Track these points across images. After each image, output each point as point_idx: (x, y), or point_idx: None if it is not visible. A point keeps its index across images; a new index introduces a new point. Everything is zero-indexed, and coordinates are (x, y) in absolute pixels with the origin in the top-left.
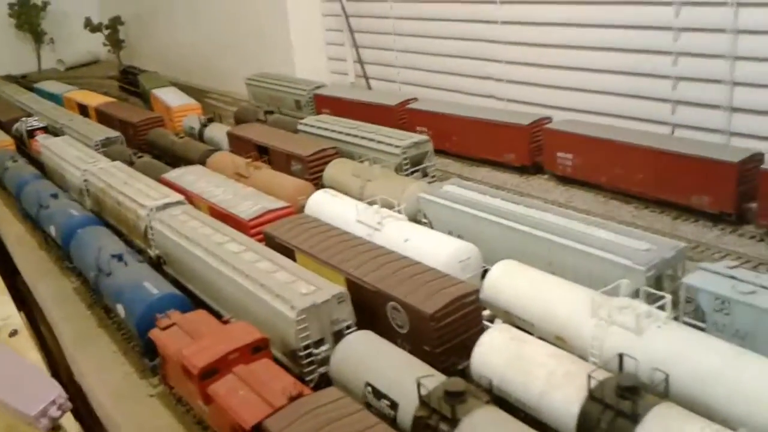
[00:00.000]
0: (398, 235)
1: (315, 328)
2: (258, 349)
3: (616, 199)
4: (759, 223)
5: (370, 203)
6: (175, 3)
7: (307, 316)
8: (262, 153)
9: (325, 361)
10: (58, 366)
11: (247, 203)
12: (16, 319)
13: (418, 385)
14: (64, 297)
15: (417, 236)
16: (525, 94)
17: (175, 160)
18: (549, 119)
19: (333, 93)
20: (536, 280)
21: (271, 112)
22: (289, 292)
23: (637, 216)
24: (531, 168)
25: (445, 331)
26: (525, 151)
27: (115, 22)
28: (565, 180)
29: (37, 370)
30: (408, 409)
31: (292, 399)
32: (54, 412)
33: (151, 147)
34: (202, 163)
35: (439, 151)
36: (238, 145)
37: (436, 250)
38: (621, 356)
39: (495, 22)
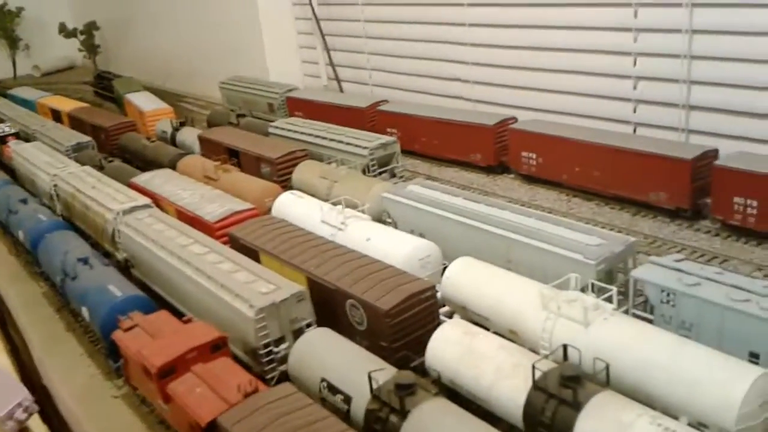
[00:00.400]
0: (360, 234)
1: (274, 327)
2: (217, 347)
3: (579, 197)
4: (713, 218)
5: (335, 204)
6: (150, 9)
7: (266, 315)
8: (233, 156)
9: (285, 359)
10: (27, 369)
11: (213, 206)
12: None
13: (370, 379)
14: (32, 301)
15: (379, 235)
16: (491, 94)
17: (146, 164)
18: (514, 119)
19: (305, 96)
20: (491, 276)
21: (243, 116)
22: (249, 292)
23: (598, 213)
24: (497, 168)
25: (401, 327)
26: (491, 151)
27: (90, 28)
28: (530, 179)
29: (2, 374)
30: (360, 403)
31: (247, 395)
32: (20, 414)
33: (122, 151)
34: (173, 166)
35: (408, 152)
36: (209, 148)
37: (397, 248)
38: (565, 347)
39: (463, 24)
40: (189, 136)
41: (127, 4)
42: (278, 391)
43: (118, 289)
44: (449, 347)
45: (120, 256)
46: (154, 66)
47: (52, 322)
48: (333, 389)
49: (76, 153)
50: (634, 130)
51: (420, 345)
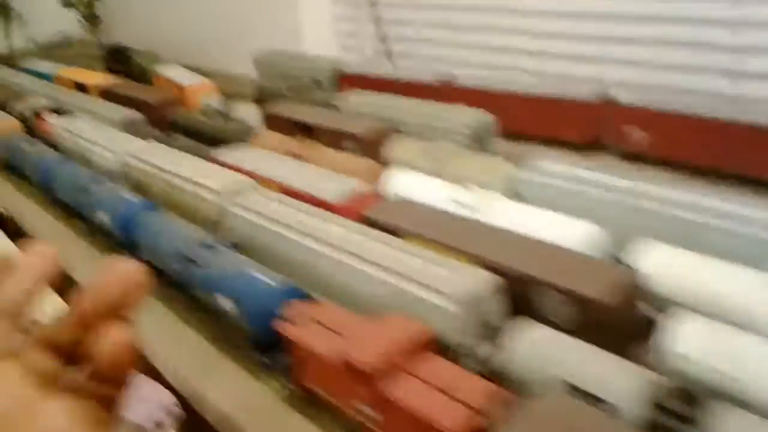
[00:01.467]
0: (506, 217)
1: (472, 323)
2: (424, 346)
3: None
4: None
5: (464, 184)
6: None
7: (468, 308)
8: (305, 132)
9: (484, 362)
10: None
11: (328, 184)
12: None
13: (645, 385)
14: None
15: (529, 218)
16: (569, 69)
17: (205, 140)
18: (614, 93)
19: (360, 70)
20: (697, 265)
21: (298, 91)
22: (439, 281)
23: None
24: (594, 146)
25: (621, 322)
26: (587, 127)
27: None
28: (634, 157)
29: (144, 379)
30: (630, 412)
31: (502, 403)
32: (164, 419)
33: (175, 129)
34: (241, 142)
35: None
36: (277, 124)
37: (561, 232)
38: None
39: None
40: (247, 111)
41: None
42: (552, 401)
43: (265, 276)
44: (702, 345)
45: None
46: (163, 39)
47: (159, 313)
48: (586, 395)
49: (128, 129)
50: None
51: (626, 341)
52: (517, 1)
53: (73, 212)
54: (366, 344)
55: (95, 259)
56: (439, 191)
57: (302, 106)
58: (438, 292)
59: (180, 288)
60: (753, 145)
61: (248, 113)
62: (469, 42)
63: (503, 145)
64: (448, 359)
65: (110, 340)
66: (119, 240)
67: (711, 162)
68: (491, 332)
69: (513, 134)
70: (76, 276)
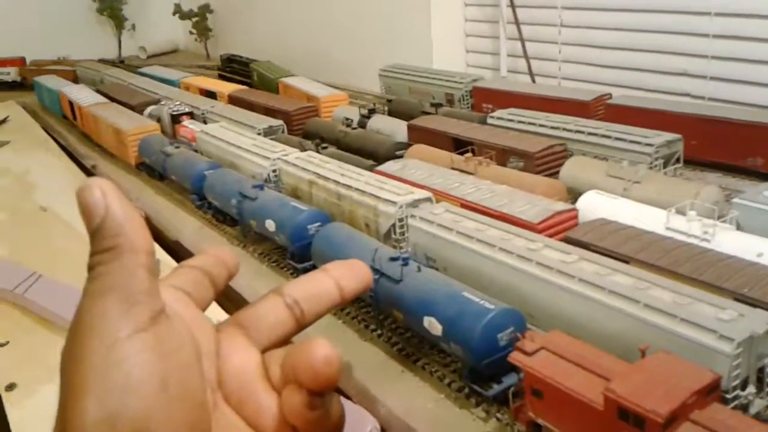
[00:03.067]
0: (742, 247)
1: (745, 365)
2: (708, 392)
3: None
4: None
5: (680, 209)
6: None
7: (744, 349)
8: (457, 146)
9: (745, 406)
10: None
11: (520, 204)
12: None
13: None
14: None
15: (763, 247)
16: (736, 94)
17: (351, 152)
18: None
19: (498, 86)
20: None
21: (440, 105)
22: (703, 319)
23: None
24: None
25: None
26: None
27: (204, 10)
28: None
29: (345, 401)
30: None
31: None
32: None
33: (309, 138)
34: (391, 156)
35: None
36: (423, 137)
37: None
38: None
39: (707, 13)
40: (383, 124)
41: None
42: None
43: (480, 298)
44: None
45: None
46: (274, 52)
47: (339, 329)
48: None
49: (268, 136)
50: None
51: None
52: (679, 21)
53: (223, 218)
54: (644, 388)
55: (252, 265)
56: (648, 215)
57: (449, 120)
58: (704, 329)
59: (366, 303)
60: None
61: (387, 125)
62: (619, 61)
63: (686, 170)
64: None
65: (315, 353)
66: (288, 248)
67: None
68: (759, 375)
69: (687, 160)
70: (238, 286)
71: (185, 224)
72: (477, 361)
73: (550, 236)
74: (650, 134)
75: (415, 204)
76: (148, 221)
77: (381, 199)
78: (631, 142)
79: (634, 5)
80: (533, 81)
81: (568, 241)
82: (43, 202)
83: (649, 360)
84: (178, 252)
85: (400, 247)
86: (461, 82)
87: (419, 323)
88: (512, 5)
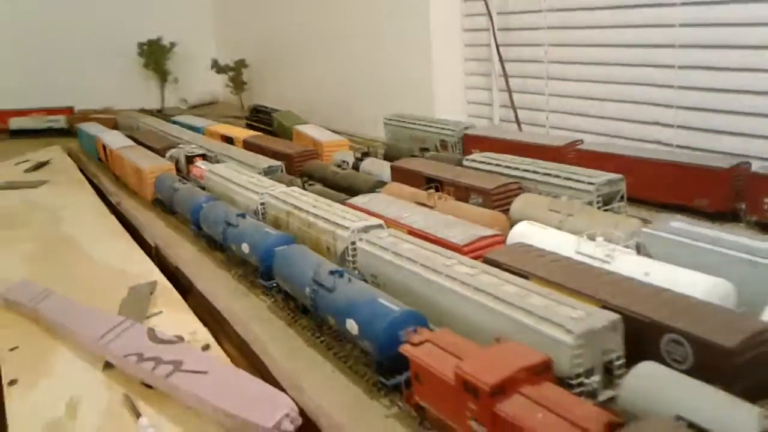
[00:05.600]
0: (634, 269)
1: (588, 356)
2: (538, 372)
3: None
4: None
5: (590, 236)
6: (302, 47)
7: (584, 342)
8: (431, 185)
9: (592, 393)
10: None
11: (455, 230)
12: (204, 334)
13: (761, 420)
14: (258, 315)
15: (658, 270)
16: (701, 142)
17: (339, 189)
18: (748, 163)
19: (486, 133)
20: None
21: (427, 149)
22: (557, 316)
23: None
24: (727, 215)
25: (746, 369)
26: (722, 196)
27: (239, 65)
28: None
29: (258, 382)
30: None
31: (611, 427)
32: (287, 425)
33: (307, 176)
34: (371, 192)
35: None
36: (403, 177)
37: (689, 285)
38: None
39: (671, 67)
40: (374, 166)
41: (276, 45)
42: (655, 425)
43: (391, 302)
44: None
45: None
46: (301, 104)
47: (288, 336)
48: (696, 428)
49: (268, 175)
50: None
51: (754, 395)
52: (648, 73)
53: (215, 245)
54: (484, 365)
55: (231, 285)
56: (563, 242)
57: (428, 161)
58: (554, 324)
59: (305, 312)
60: None
61: (377, 167)
62: (596, 110)
63: (630, 208)
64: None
65: None
66: (258, 268)
67: None
68: (607, 367)
69: (640, 200)
70: (217, 302)
71: (185, 252)
72: (382, 355)
73: (474, 258)
74: (595, 174)
75: (366, 229)
76: (157, 250)
77: (339, 225)
78: (576, 181)
79: (612, 59)
80: (520, 129)
81: (486, 260)
82: (68, 232)
83: (498, 346)
84: (178, 277)
85: (354, 267)
86: (454, 130)
87: (344, 325)
88: (501, 60)
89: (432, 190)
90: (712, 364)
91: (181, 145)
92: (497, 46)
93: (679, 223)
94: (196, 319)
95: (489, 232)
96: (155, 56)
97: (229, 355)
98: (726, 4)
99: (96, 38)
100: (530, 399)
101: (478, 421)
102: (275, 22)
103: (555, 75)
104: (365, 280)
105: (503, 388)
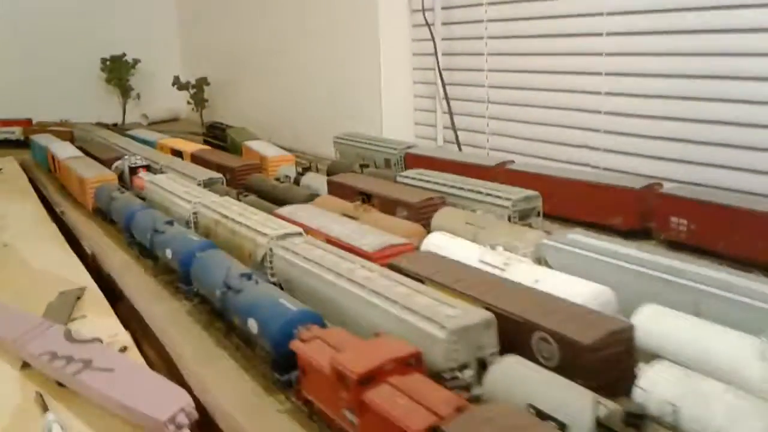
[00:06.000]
0: (526, 276)
1: (462, 352)
2: (409, 363)
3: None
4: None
5: (493, 246)
6: (262, 67)
7: (457, 338)
8: (365, 199)
9: (467, 386)
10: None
11: (368, 238)
12: (124, 336)
13: (594, 406)
14: (176, 318)
15: (547, 278)
16: (625, 164)
17: (276, 202)
18: (660, 184)
19: (425, 153)
20: (688, 325)
21: (366, 166)
22: (436, 314)
23: None
24: (639, 232)
25: (602, 365)
26: (634, 215)
27: (201, 83)
28: (677, 246)
29: (161, 379)
30: (578, 427)
31: (459, 410)
32: (182, 419)
33: (248, 189)
34: (304, 203)
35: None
36: (338, 191)
37: (572, 291)
38: None
39: (599, 93)
40: (314, 180)
41: (237, 64)
42: (496, 406)
43: (290, 303)
44: (666, 387)
45: (271, 280)
46: (258, 121)
47: (200, 338)
48: (543, 415)
49: (207, 187)
50: None
51: (614, 389)
52: (578, 99)
53: (146, 252)
54: (359, 357)
55: (155, 290)
56: (469, 251)
57: (363, 177)
58: (431, 321)
59: (220, 315)
60: None
61: (317, 182)
62: (521, 133)
63: (546, 224)
64: (436, 381)
65: None
66: (179, 273)
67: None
68: (479, 362)
69: (562, 218)
70: (140, 306)
71: (119, 259)
72: (277, 353)
73: (383, 265)
74: (513, 191)
75: (284, 237)
76: (93, 257)
77: (259, 232)
78: (496, 197)
79: (546, 85)
80: (460, 149)
81: (390, 266)
82: (7, 240)
83: (375, 340)
84: (110, 284)
85: (272, 273)
86: (396, 149)
87: (246, 324)
88: (443, 83)
89: (359, 203)
90: (573, 361)
91: (126, 157)
92: (439, 70)
93: (575, 235)
94: (118, 323)
95: (400, 241)
96: (118, 72)
97: (148, 357)
98: (648, 35)
99: (60, 52)
100: (396, 388)
101: (350, 410)
102: (237, 41)
103: (495, 99)
104: (280, 285)
105: (371, 378)
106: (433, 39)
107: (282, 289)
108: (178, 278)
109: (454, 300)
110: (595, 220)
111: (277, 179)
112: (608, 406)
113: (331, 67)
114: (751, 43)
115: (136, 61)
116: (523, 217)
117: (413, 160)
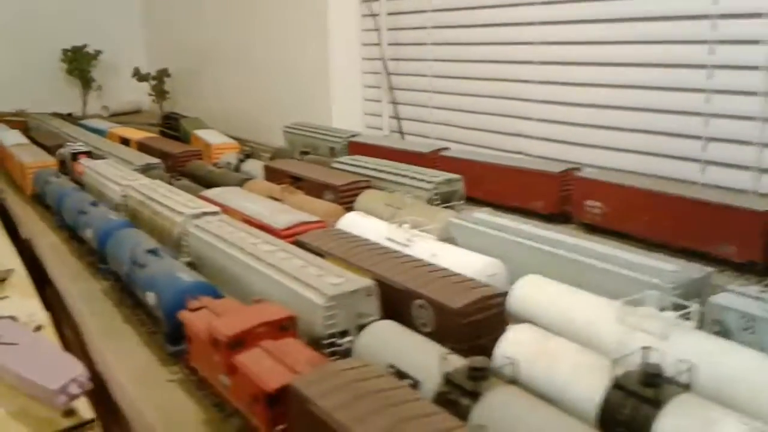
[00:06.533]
0: (426, 251)
1: (341, 318)
2: (285, 327)
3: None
4: None
5: (400, 224)
6: (218, 59)
7: (335, 305)
8: (296, 182)
9: (347, 352)
10: (80, 358)
11: (281, 217)
12: (40, 315)
13: (441, 361)
14: (92, 297)
15: (445, 252)
16: (556, 152)
17: (212, 186)
18: (578, 168)
19: (367, 141)
20: (560, 292)
21: (307, 153)
22: (319, 283)
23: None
24: (559, 216)
25: (471, 329)
26: (553, 199)
27: (162, 74)
28: (593, 228)
29: (59, 350)
30: (429, 386)
31: (312, 364)
32: (74, 389)
33: (188, 176)
34: (234, 186)
35: (471, 199)
36: (274, 176)
37: (464, 264)
38: (646, 349)
39: (530, 82)
40: (254, 167)
41: (198, 56)
42: (349, 362)
43: (187, 275)
44: (522, 347)
45: (185, 259)
46: (217, 112)
47: (110, 315)
48: (401, 374)
49: (145, 172)
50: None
51: (487, 352)
52: (514, 88)
53: (74, 234)
54: (233, 322)
55: (74, 267)
56: (378, 229)
57: (297, 162)
58: (313, 289)
59: (129, 291)
60: (697, 219)
61: (256, 168)
62: (462, 122)
63: (475, 208)
64: (314, 346)
65: None
66: (97, 252)
67: (661, 236)
68: (360, 328)
69: (491, 203)
70: (59, 286)
71: (50, 242)
72: (170, 323)
73: (290, 241)
74: (436, 174)
75: (199, 216)
76: (29, 243)
77: (176, 211)
78: (419, 180)
79: (482, 75)
80: (403, 138)
81: (296, 243)
82: None
83: (254, 306)
84: (40, 267)
85: (186, 251)
86: (341, 138)
87: (145, 297)
88: (387, 73)
89: (285, 185)
90: (445, 325)
91: (69, 143)
92: (384, 60)
93: (481, 214)
94: (39, 304)
95: (312, 218)
96: (79, 63)
97: (65, 336)
98: (574, 24)
99: (21, 43)
100: (266, 351)
101: (224, 374)
102: (198, 33)
103: (438, 89)
104: (192, 263)
105: (242, 341)
106: (378, 29)
107: (195, 267)
108: (98, 258)
109: (344, 271)
110: (519, 205)
111: (218, 165)
112: (455, 363)
113: (282, 58)
114: (674, 30)
115: (98, 53)
116: (445, 200)
117: (356, 148)
